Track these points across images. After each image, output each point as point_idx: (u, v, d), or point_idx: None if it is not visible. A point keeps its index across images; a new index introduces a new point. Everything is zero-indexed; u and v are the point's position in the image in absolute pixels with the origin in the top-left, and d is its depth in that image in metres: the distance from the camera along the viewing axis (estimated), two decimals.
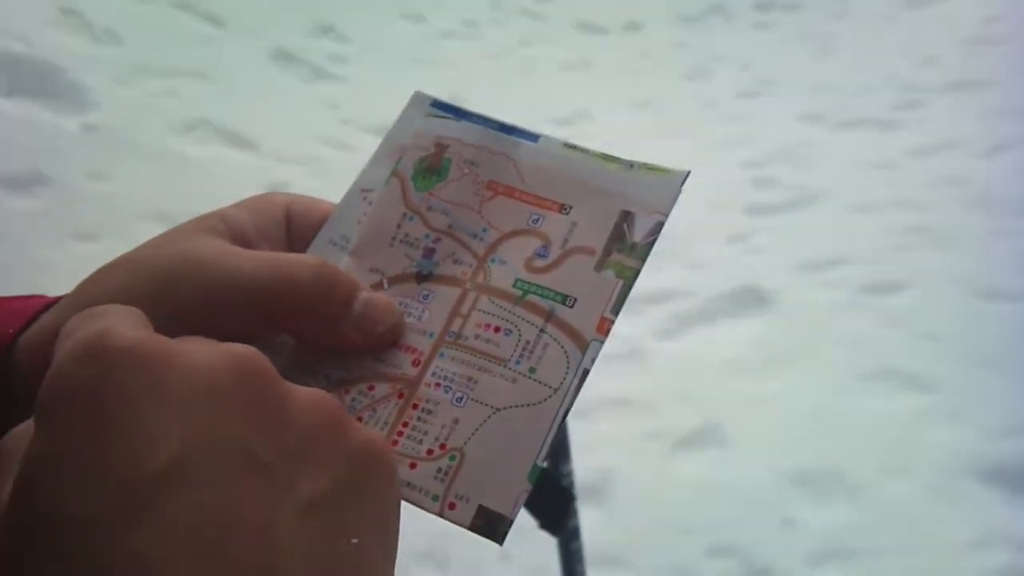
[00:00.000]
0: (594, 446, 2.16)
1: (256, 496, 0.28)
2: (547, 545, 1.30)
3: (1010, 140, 3.36)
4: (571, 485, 1.03)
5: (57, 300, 0.42)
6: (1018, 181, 3.15)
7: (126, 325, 0.30)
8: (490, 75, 4.08)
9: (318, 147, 3.32)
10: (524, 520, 1.00)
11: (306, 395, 0.31)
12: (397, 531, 0.33)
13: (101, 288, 0.40)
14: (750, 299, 2.73)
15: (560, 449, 0.94)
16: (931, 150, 3.41)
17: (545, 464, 0.38)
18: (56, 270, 2.50)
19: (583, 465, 2.06)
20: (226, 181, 3.02)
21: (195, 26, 3.80)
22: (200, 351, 0.29)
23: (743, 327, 2.64)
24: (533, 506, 0.88)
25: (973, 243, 2.88)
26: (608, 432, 2.26)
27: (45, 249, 2.59)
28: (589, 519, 2.00)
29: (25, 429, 0.30)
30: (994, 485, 2.07)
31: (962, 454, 2.15)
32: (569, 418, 1.06)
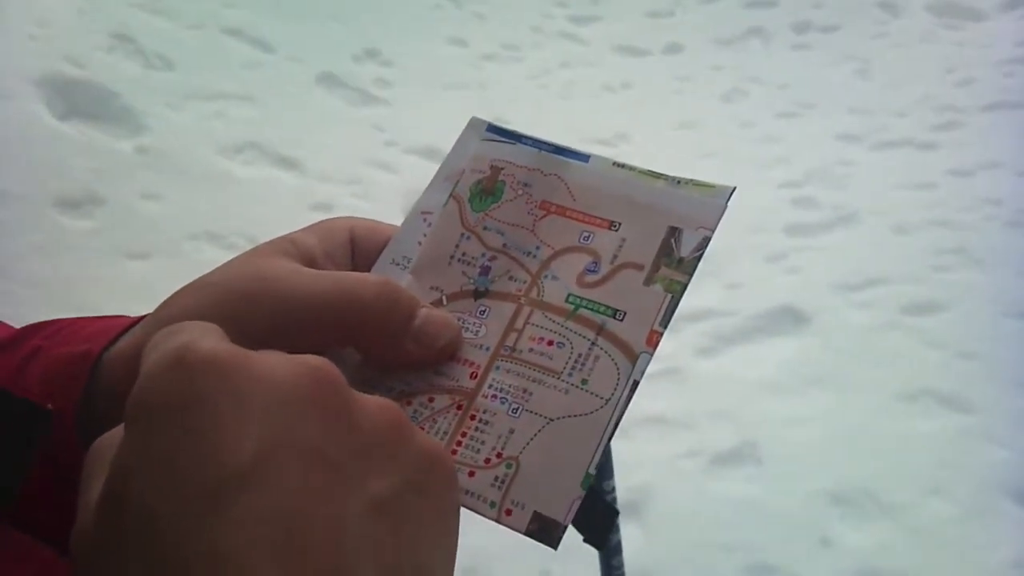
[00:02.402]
0: (632, 463, 2.19)
1: (328, 494, 0.30)
2: (587, 562, 1.33)
3: None
4: (614, 501, 1.06)
5: (139, 320, 0.45)
6: None
7: (207, 338, 0.32)
8: (531, 97, 4.12)
9: (362, 169, 3.37)
10: (567, 536, 1.03)
11: (372, 402, 0.33)
12: (457, 533, 0.34)
13: (180, 307, 0.42)
14: (788, 319, 2.74)
15: (604, 465, 0.97)
16: (969, 170, 3.40)
17: (595, 471, 0.40)
18: (110, 288, 2.58)
19: (621, 482, 2.08)
20: (273, 201, 3.08)
21: (244, 51, 3.87)
22: (276, 361, 0.31)
23: (781, 346, 2.66)
24: (578, 521, 0.92)
25: (1011, 263, 2.87)
26: (646, 450, 2.29)
27: (99, 267, 2.67)
28: (627, 536, 2.02)
29: (113, 436, 0.32)
30: None
31: (999, 475, 2.15)
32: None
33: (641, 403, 2.08)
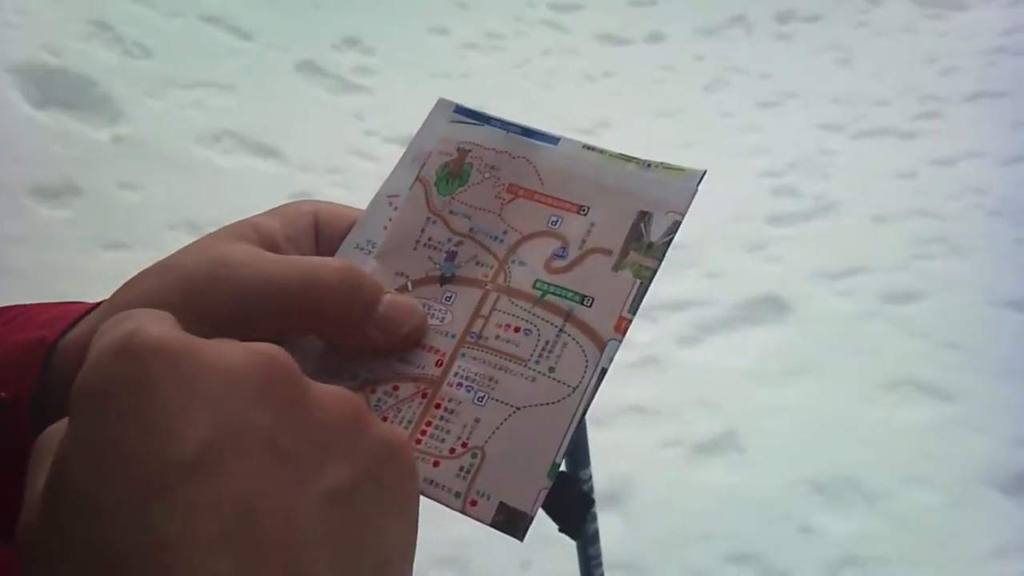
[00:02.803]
0: (613, 453, 2.19)
1: (279, 484, 0.29)
2: (566, 552, 1.32)
3: None
4: (591, 490, 1.05)
5: (97, 305, 0.44)
6: None
7: (156, 325, 0.31)
8: (513, 86, 4.10)
9: (343, 157, 3.35)
10: (544, 526, 1.03)
11: (327, 391, 0.32)
12: (416, 524, 0.33)
13: (138, 292, 0.41)
14: (769, 308, 2.74)
15: (579, 454, 0.96)
16: (951, 160, 3.41)
17: (563, 462, 0.39)
18: (87, 277, 2.56)
19: (602, 472, 2.08)
20: (252, 190, 3.06)
21: (223, 39, 3.84)
22: (226, 349, 0.31)
23: (762, 335, 2.66)
24: (553, 510, 0.91)
25: (993, 252, 2.88)
26: (627, 439, 2.28)
27: (76, 257, 2.65)
28: (608, 526, 2.02)
29: (59, 426, 0.31)
30: (1014, 495, 2.09)
31: (982, 464, 2.16)
32: (588, 425, 1.10)
33: (622, 392, 2.08)
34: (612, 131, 3.80)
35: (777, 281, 2.84)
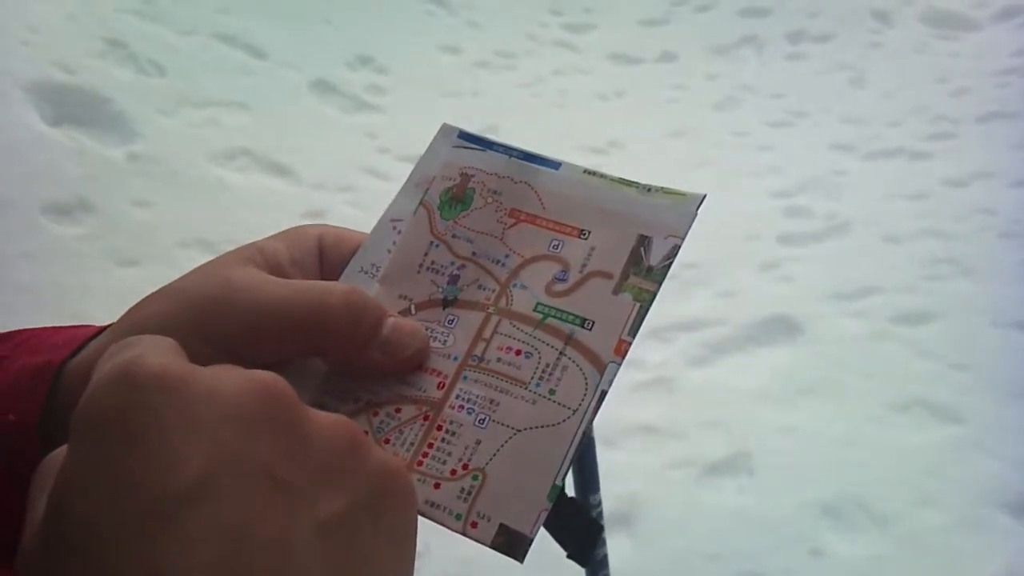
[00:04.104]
0: (622, 473, 2.19)
1: (274, 514, 0.29)
2: (574, 575, 1.33)
3: None
4: (600, 516, 1.05)
5: (104, 329, 0.44)
6: None
7: (157, 353, 0.31)
8: (525, 105, 4.12)
9: (356, 176, 3.37)
10: (551, 549, 1.03)
11: (326, 419, 0.32)
12: (414, 552, 0.34)
13: (145, 315, 0.42)
14: (780, 328, 2.74)
15: (590, 479, 0.96)
16: (962, 180, 3.40)
17: (564, 484, 0.39)
18: (99, 295, 2.57)
19: (611, 492, 2.08)
20: (265, 209, 3.08)
21: (237, 57, 3.86)
22: (225, 377, 0.31)
23: (773, 356, 2.65)
24: (561, 536, 0.91)
25: (1004, 274, 2.87)
26: (636, 460, 2.28)
27: (89, 274, 2.66)
28: (617, 547, 2.02)
29: (60, 452, 0.31)
30: (1022, 517, 2.08)
31: (990, 486, 2.15)
32: (597, 444, 1.10)
33: (632, 412, 2.08)
34: (624, 150, 3.81)
35: (788, 301, 2.83)
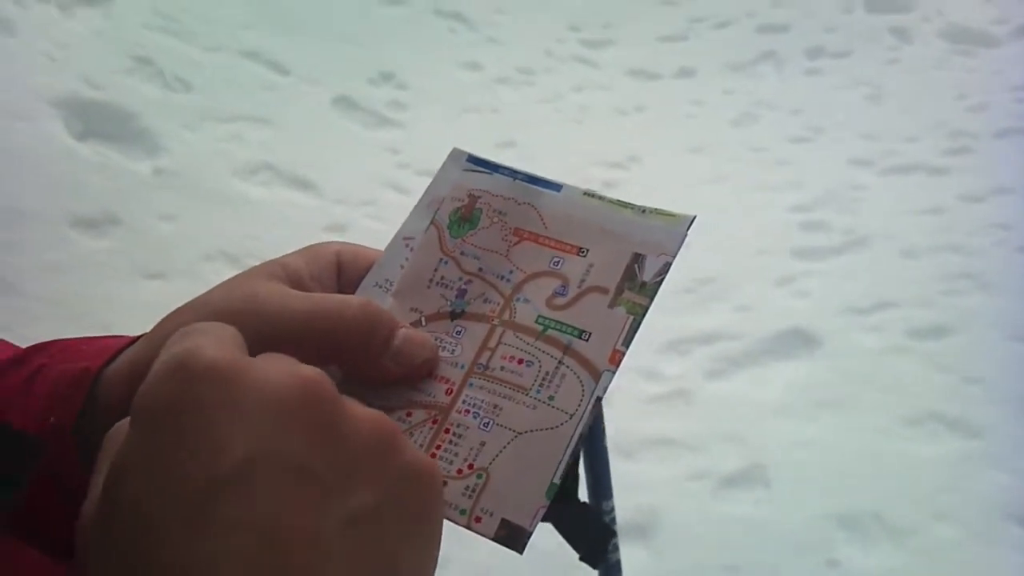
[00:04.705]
0: (640, 484, 2.21)
1: (306, 506, 0.31)
2: None
3: None
4: (613, 521, 1.08)
5: (138, 338, 0.47)
6: None
7: (213, 343, 0.34)
8: (544, 121, 4.15)
9: (377, 190, 3.41)
10: (566, 554, 1.06)
11: (364, 414, 0.35)
12: (438, 548, 0.35)
13: (175, 325, 0.43)
14: (797, 341, 2.76)
15: (602, 485, 0.99)
16: (979, 196, 3.41)
17: (559, 481, 0.42)
18: (126, 307, 2.61)
19: (629, 503, 2.10)
20: (287, 223, 3.12)
21: (261, 73, 3.92)
22: (272, 370, 0.33)
23: (790, 369, 2.67)
24: (574, 539, 0.94)
25: (1020, 288, 2.88)
26: (654, 471, 2.30)
27: (115, 286, 2.70)
28: (635, 558, 2.04)
29: (121, 426, 0.35)
30: None
31: (1004, 499, 2.16)
32: (615, 456, 1.13)
33: (650, 424, 2.10)
34: (642, 165, 3.83)
35: (805, 315, 2.85)
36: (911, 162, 3.70)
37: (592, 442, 0.92)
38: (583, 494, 0.83)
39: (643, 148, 3.96)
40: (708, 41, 4.95)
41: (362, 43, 4.36)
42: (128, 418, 0.33)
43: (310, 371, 0.34)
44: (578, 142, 3.98)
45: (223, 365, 0.33)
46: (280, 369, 0.34)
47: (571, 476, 0.75)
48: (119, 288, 2.70)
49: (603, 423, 0.92)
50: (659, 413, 2.50)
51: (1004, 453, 2.28)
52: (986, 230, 3.19)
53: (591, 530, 0.94)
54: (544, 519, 0.41)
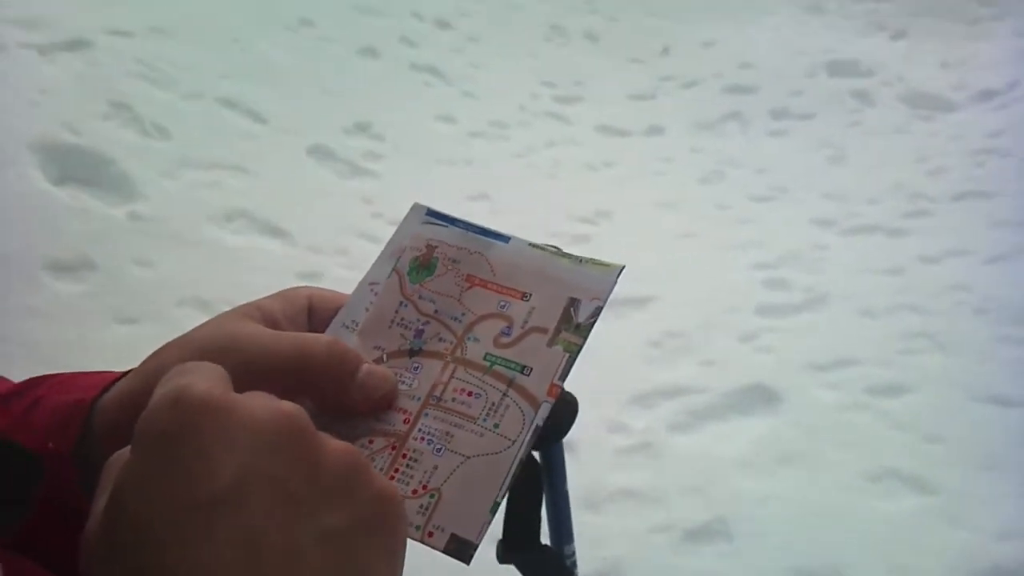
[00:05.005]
0: (604, 537, 2.25)
1: (286, 523, 0.36)
2: None
3: (1014, 249, 3.47)
4: (574, 565, 1.12)
5: (127, 373, 0.54)
6: (1022, 289, 3.25)
7: (205, 380, 0.39)
8: (517, 174, 4.22)
9: (350, 239, 3.45)
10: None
11: (338, 446, 0.40)
12: (402, 566, 0.41)
13: (161, 361, 0.51)
14: (760, 397, 2.82)
15: (563, 529, 1.04)
16: (938, 257, 3.52)
17: (501, 499, 0.48)
18: (96, 350, 2.62)
19: (595, 555, 2.14)
20: (261, 270, 3.15)
21: (239, 122, 3.96)
22: (257, 405, 0.38)
23: (752, 424, 2.73)
24: None
25: (977, 349, 2.97)
26: (618, 523, 2.34)
27: (90, 331, 2.72)
28: None
29: (121, 454, 0.39)
30: None
31: (962, 556, 2.21)
32: (580, 508, 1.18)
33: (614, 476, 2.15)
34: (611, 220, 3.91)
35: (767, 371, 2.92)
36: (871, 223, 3.81)
37: (553, 486, 0.97)
38: (544, 537, 0.87)
39: (613, 203, 4.05)
40: (676, 100, 5.08)
41: (339, 94, 4.43)
42: (128, 446, 0.38)
43: (290, 406, 0.39)
44: (550, 196, 4.06)
45: (214, 399, 0.38)
46: (264, 404, 0.39)
47: (534, 519, 0.80)
48: (91, 332, 2.72)
49: (564, 468, 0.97)
50: (624, 465, 2.55)
51: (962, 510, 2.34)
52: (944, 291, 3.28)
53: (553, 573, 0.98)
54: (506, 561, 0.47)
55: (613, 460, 2.56)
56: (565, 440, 0.93)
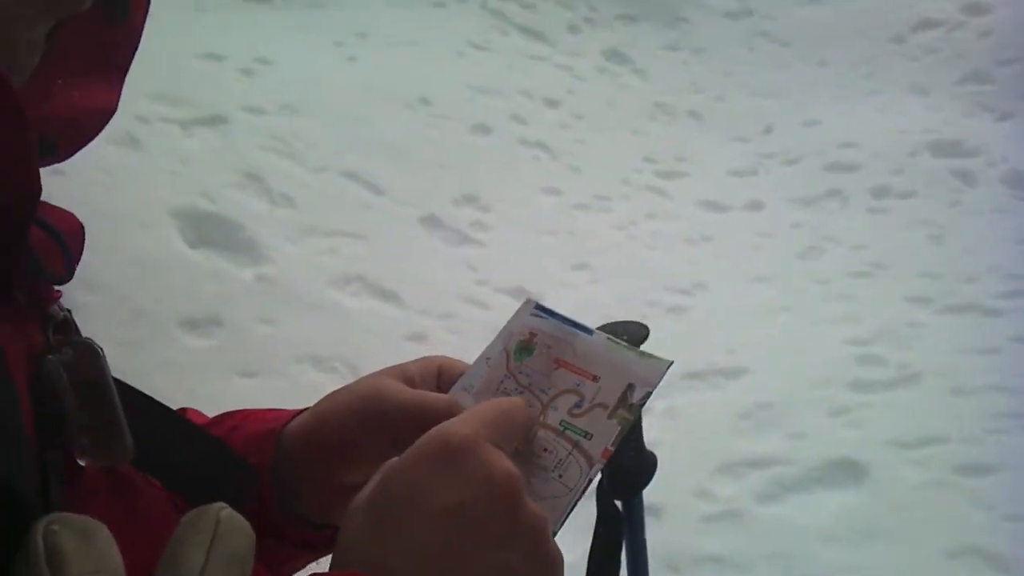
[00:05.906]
0: None
1: (480, 546, 0.52)
2: None
3: None
4: None
5: (304, 410, 0.72)
6: None
7: (467, 427, 0.55)
8: (617, 245, 4.37)
9: (456, 304, 3.64)
10: None
11: (535, 509, 0.55)
12: None
13: (332, 402, 0.70)
14: (846, 471, 2.89)
15: (641, 572, 1.15)
16: None
17: (555, 532, 0.60)
18: (217, 401, 2.83)
19: None
20: (373, 331, 3.37)
21: (359, 193, 4.21)
22: (492, 458, 0.54)
23: (838, 497, 2.80)
24: None
25: None
26: None
27: (214, 383, 2.96)
28: None
29: (363, 494, 0.56)
30: None
31: None
32: (663, 570, 1.38)
33: (699, 542, 2.28)
34: (708, 291, 4.03)
35: (856, 446, 2.98)
36: (967, 302, 3.82)
37: (633, 533, 1.09)
38: None
39: (710, 276, 4.16)
40: (777, 176, 5.14)
41: (452, 168, 4.63)
42: (398, 458, 0.56)
43: (513, 468, 0.55)
44: (649, 267, 4.20)
45: (472, 440, 0.55)
46: (496, 458, 0.55)
47: (614, 563, 0.94)
48: (216, 384, 2.95)
49: (643, 518, 1.09)
50: (710, 532, 2.65)
51: None
52: None
53: None
54: None
55: (699, 526, 2.67)
56: (651, 503, 1.06)
